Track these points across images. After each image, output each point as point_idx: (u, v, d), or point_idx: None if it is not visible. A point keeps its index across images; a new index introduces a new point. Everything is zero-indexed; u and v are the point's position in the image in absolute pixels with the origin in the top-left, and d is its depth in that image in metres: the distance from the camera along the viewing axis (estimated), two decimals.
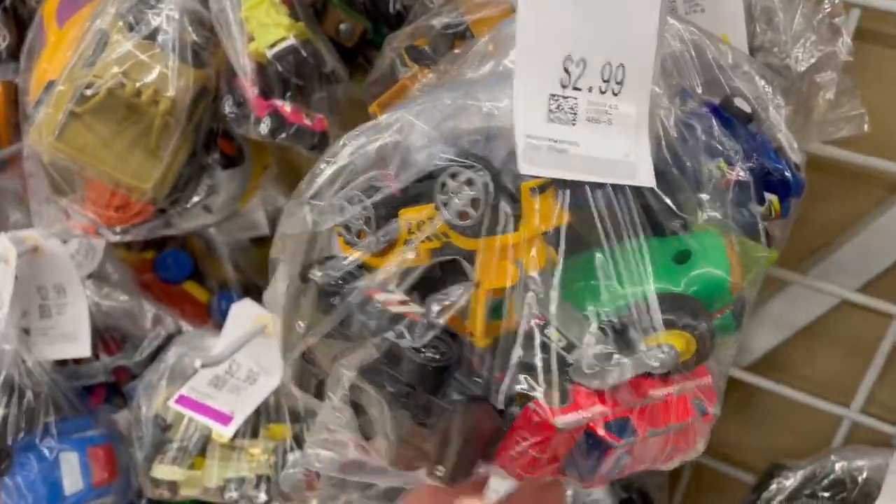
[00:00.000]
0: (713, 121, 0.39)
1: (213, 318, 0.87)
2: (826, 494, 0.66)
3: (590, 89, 0.36)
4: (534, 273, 0.36)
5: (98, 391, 0.78)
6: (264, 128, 0.52)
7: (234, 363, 0.70)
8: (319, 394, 0.42)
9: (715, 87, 0.42)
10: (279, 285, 0.41)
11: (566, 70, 0.35)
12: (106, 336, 0.78)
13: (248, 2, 0.52)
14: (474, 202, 0.35)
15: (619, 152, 0.36)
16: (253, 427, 0.71)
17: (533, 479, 0.38)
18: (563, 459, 0.38)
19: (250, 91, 0.53)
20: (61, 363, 0.75)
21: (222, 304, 0.86)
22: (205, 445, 0.70)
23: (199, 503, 1.05)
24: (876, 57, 0.66)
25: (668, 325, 0.36)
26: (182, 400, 0.68)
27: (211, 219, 0.62)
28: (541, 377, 0.36)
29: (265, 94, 0.53)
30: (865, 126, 0.56)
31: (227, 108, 0.55)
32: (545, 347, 0.36)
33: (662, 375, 0.37)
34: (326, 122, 0.54)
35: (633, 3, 0.35)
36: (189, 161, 0.56)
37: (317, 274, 0.38)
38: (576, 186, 0.36)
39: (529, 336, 0.36)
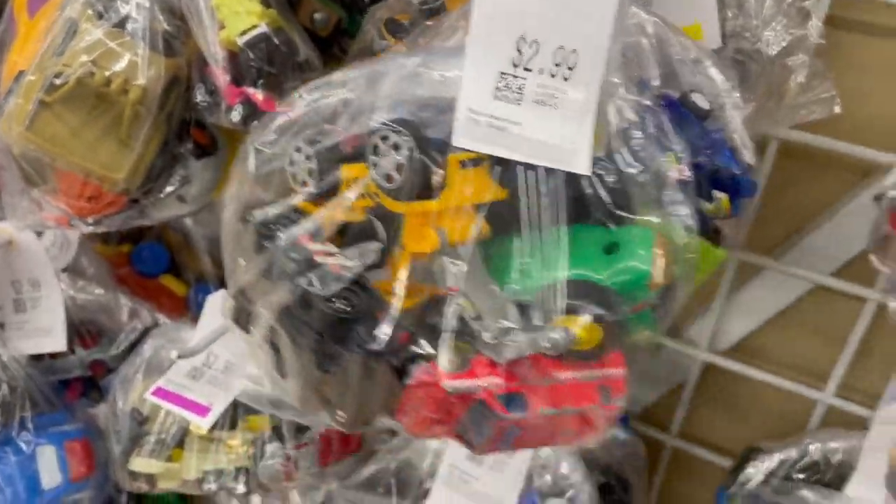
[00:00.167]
0: (665, 116, 0.39)
1: (190, 311, 0.86)
2: (801, 476, 0.67)
3: (540, 71, 0.36)
4: (455, 243, 0.36)
5: (74, 385, 0.78)
6: (236, 116, 0.52)
7: (212, 355, 0.69)
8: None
9: (674, 82, 0.42)
10: (225, 225, 0.42)
11: (519, 50, 0.35)
12: (82, 330, 0.77)
13: None
14: (399, 166, 0.36)
15: (561, 137, 0.36)
16: (231, 419, 0.71)
17: (425, 437, 0.40)
18: (457, 423, 0.39)
19: (222, 79, 0.52)
20: (37, 357, 0.74)
21: (199, 296, 0.86)
22: (183, 438, 0.70)
23: (182, 496, 1.06)
24: (848, 43, 0.66)
25: (573, 310, 0.37)
26: (159, 392, 0.67)
27: (185, 209, 0.62)
28: (441, 342, 0.37)
29: (237, 81, 0.52)
30: (836, 108, 0.57)
31: (199, 96, 0.54)
32: (453, 315, 0.37)
33: (573, 360, 0.38)
34: None
35: None
36: (161, 151, 0.56)
37: (255, 215, 0.39)
38: (512, 165, 0.37)
39: (441, 302, 0.37)
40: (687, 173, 0.39)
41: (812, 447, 0.68)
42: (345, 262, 0.37)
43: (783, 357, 0.78)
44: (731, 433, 0.82)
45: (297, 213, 0.39)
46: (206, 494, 0.70)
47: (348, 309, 0.38)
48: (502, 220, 0.37)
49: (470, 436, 0.39)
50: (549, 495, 0.61)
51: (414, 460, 0.66)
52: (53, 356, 0.75)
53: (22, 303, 0.73)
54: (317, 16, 0.58)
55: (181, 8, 0.54)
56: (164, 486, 0.70)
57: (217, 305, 0.71)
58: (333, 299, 0.38)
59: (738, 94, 0.43)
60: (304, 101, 0.40)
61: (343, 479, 0.69)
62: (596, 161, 0.38)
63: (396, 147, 0.36)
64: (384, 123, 0.37)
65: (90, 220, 0.58)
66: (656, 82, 0.41)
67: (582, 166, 0.36)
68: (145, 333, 0.76)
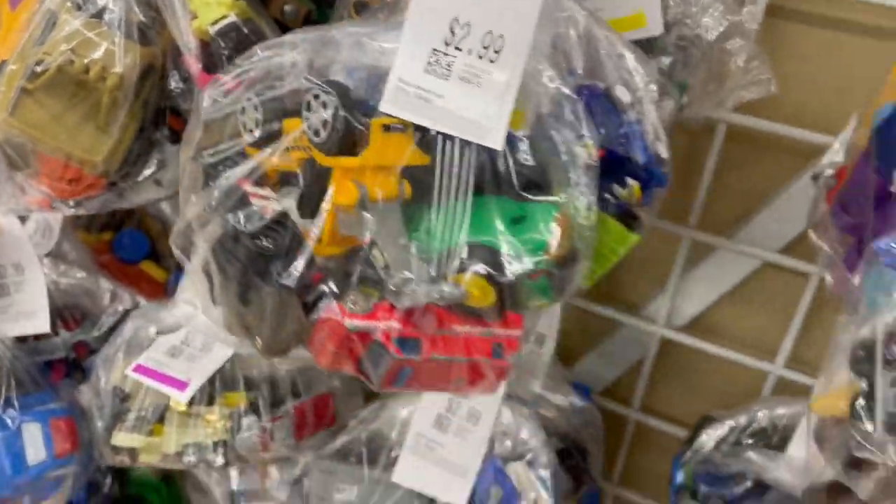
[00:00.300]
0: (582, 104, 0.44)
1: (169, 295, 0.89)
2: (750, 441, 0.71)
3: (469, 52, 0.40)
4: (375, 199, 0.40)
5: (58, 366, 0.80)
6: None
7: (190, 334, 0.72)
8: None
9: (600, 74, 0.47)
10: (182, 164, 0.47)
11: (451, 30, 0.39)
12: (65, 313, 0.80)
13: None
14: (325, 123, 0.40)
15: (480, 114, 0.41)
16: (209, 396, 0.74)
17: (334, 370, 0.44)
18: (359, 360, 0.43)
19: (194, 67, 0.55)
20: (21, 339, 0.77)
21: (179, 282, 0.89)
22: (163, 414, 0.73)
23: (163, 478, 1.08)
24: (788, 33, 0.70)
25: (467, 269, 0.42)
26: (139, 368, 0.70)
27: (162, 192, 0.65)
28: (348, 285, 0.42)
29: (209, 69, 0.55)
30: (773, 88, 0.60)
31: (174, 83, 0.57)
32: (365, 262, 0.41)
33: (472, 317, 0.42)
34: None
35: None
36: (138, 136, 0.59)
37: (204, 156, 0.43)
38: (433, 135, 0.41)
39: (358, 252, 0.42)
40: (595, 159, 0.43)
41: (760, 414, 0.72)
42: (272, 205, 0.42)
43: (736, 331, 0.82)
44: (689, 406, 0.86)
45: (240, 157, 0.44)
46: (187, 467, 0.73)
47: (270, 246, 0.42)
48: (422, 185, 0.42)
49: (369, 372, 0.44)
50: (510, 459, 0.65)
51: (383, 431, 0.69)
52: (38, 338, 0.78)
53: (6, 287, 0.76)
54: (287, 8, 0.61)
55: (156, 1, 0.57)
56: (146, 459, 0.73)
57: (194, 285, 0.74)
58: (259, 236, 0.42)
59: (655, 88, 0.47)
60: (257, 57, 0.44)
61: (317, 450, 0.72)
62: (513, 140, 0.42)
63: (325, 105, 0.40)
64: (314, 82, 0.41)
65: (71, 202, 0.61)
66: (580, 72, 0.45)
67: (496, 142, 0.41)
68: (126, 315, 0.78)
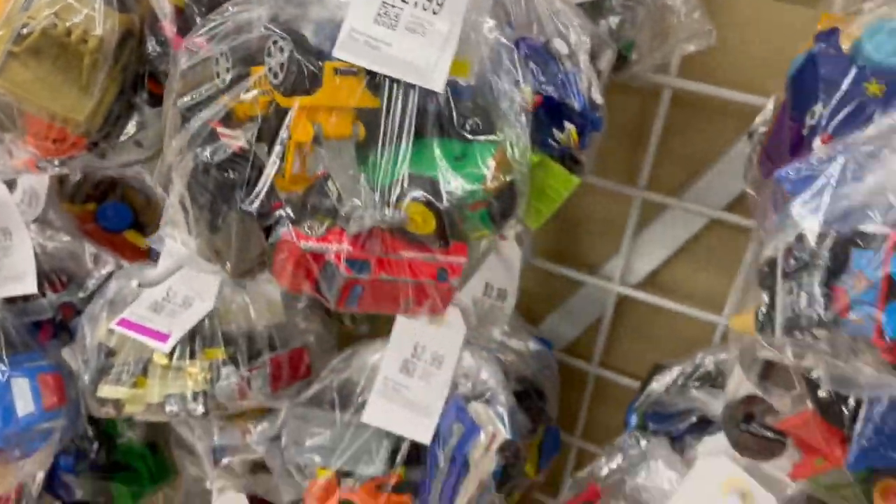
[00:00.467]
0: (520, 54, 0.49)
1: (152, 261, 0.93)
2: (697, 384, 0.76)
3: (415, 4, 0.45)
4: (328, 135, 0.45)
5: (46, 327, 0.84)
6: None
7: (171, 290, 0.77)
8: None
9: (538, 28, 0.52)
10: (164, 111, 0.52)
11: None
12: (52, 276, 0.84)
13: None
14: (282, 65, 0.45)
15: (424, 60, 0.46)
16: (190, 351, 0.78)
17: (297, 292, 0.49)
18: (315, 281, 0.48)
19: (170, 31, 0.60)
20: (10, 301, 0.81)
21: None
22: (146, 367, 0.77)
23: (149, 445, 1.12)
24: (728, 1, 0.75)
25: (412, 199, 0.47)
26: (123, 322, 0.74)
27: (143, 154, 0.69)
28: (304, 213, 0.47)
29: (184, 34, 0.60)
30: (713, 39, 0.65)
31: (151, 48, 0.62)
32: (320, 193, 0.46)
33: (419, 243, 0.48)
34: None
35: None
36: (118, 98, 0.63)
37: (183, 100, 0.47)
38: (381, 79, 0.46)
39: (314, 183, 0.47)
40: (530, 103, 0.48)
41: (706, 360, 0.77)
42: (238, 141, 0.47)
43: (686, 287, 0.87)
44: (646, 360, 0.90)
45: (212, 100, 0.49)
46: (169, 417, 0.77)
47: (234, 177, 0.48)
48: (373, 125, 0.47)
49: (325, 291, 0.49)
50: (471, 399, 0.70)
51: (353, 377, 0.74)
52: (26, 299, 0.82)
53: None
54: None
55: None
56: (130, 410, 0.77)
57: (176, 247, 0.78)
58: (225, 168, 0.48)
59: (588, 41, 0.53)
60: (229, 13, 0.49)
61: (293, 397, 0.76)
62: (458, 87, 0.47)
63: (281, 50, 0.45)
64: (272, 30, 0.46)
65: (56, 161, 0.65)
66: (519, 26, 0.50)
67: (437, 85, 0.46)
68: (110, 277, 0.83)
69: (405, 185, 0.47)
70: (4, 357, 0.77)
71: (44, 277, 0.83)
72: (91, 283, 0.84)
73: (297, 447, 0.75)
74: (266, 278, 0.79)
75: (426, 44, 0.46)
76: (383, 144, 0.47)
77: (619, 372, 0.93)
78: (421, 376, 0.70)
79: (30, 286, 0.80)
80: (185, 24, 0.60)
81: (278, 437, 0.81)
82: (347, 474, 0.71)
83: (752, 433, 0.54)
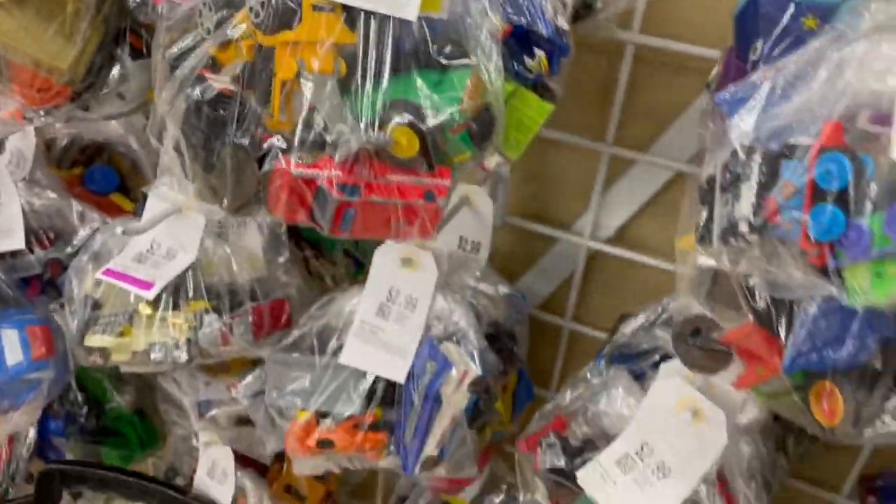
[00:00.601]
0: None
1: None
2: (660, 328, 0.79)
3: None
4: (311, 69, 0.48)
5: (34, 283, 0.87)
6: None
7: (155, 242, 0.80)
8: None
9: None
10: (153, 63, 0.55)
11: None
12: (39, 233, 0.87)
13: None
14: (262, 3, 0.48)
15: None
16: (174, 303, 0.81)
17: (292, 220, 0.52)
18: (310, 208, 0.51)
19: None
20: None
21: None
22: (131, 317, 0.80)
23: (137, 411, 1.14)
24: None
25: (396, 123, 0.50)
26: (108, 272, 0.77)
27: (125, 106, 0.72)
28: (295, 142, 0.50)
29: None
30: None
31: (132, 0, 0.65)
32: (307, 126, 0.49)
33: (405, 167, 0.51)
34: None
35: None
36: (100, 48, 0.66)
37: (171, 51, 0.50)
38: (357, 13, 0.49)
39: (303, 116, 0.50)
40: (501, 32, 0.51)
41: (670, 305, 0.80)
42: (222, 83, 0.50)
43: (655, 240, 0.90)
44: (617, 313, 0.94)
45: (198, 47, 0.52)
46: (154, 365, 0.80)
47: (224, 112, 0.51)
48: (354, 61, 0.50)
49: (318, 217, 0.52)
50: (443, 339, 0.73)
51: (331, 323, 0.77)
52: (14, 255, 0.85)
53: None
54: None
55: None
56: (117, 358, 0.80)
57: (158, 201, 0.81)
58: (216, 106, 0.51)
59: None
60: None
61: (275, 344, 0.79)
62: (432, 21, 0.50)
63: None
64: None
65: (41, 111, 0.68)
66: None
67: (411, 14, 0.49)
68: (96, 233, 0.85)
69: (388, 109, 0.50)
70: None
71: (31, 234, 0.85)
72: (77, 240, 0.87)
73: (279, 391, 0.77)
74: (248, 231, 0.82)
75: None
76: (364, 78, 0.50)
77: (592, 326, 0.96)
78: (396, 319, 0.73)
79: (18, 242, 0.83)
80: None
81: (262, 391, 0.84)
82: (325, 415, 0.74)
83: (699, 346, 0.57)
